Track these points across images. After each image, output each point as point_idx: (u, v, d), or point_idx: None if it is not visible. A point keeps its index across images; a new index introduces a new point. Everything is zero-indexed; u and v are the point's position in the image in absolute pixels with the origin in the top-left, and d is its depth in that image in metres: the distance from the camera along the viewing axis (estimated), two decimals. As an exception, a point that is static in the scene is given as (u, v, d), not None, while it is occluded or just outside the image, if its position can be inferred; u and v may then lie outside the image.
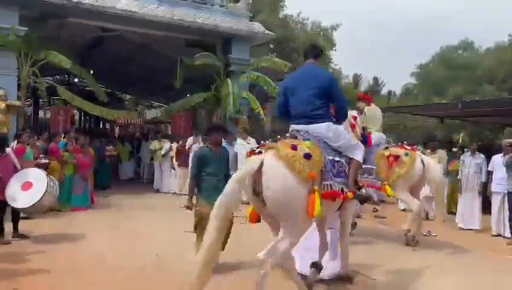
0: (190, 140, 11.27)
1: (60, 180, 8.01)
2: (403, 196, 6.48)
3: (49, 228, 7.01)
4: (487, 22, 57.13)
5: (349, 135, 4.21)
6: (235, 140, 10.57)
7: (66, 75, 19.45)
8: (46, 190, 6.08)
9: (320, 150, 3.73)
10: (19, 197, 5.98)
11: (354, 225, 6.40)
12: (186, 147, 11.05)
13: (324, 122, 3.92)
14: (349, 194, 3.86)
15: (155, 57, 15.29)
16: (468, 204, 8.18)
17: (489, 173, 7.87)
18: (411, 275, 5.08)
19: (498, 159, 7.61)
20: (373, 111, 6.81)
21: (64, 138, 9.31)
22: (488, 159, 8.08)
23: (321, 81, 3.95)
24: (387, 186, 6.03)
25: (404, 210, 9.48)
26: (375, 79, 36.68)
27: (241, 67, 12.09)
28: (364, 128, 5.52)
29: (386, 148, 6.62)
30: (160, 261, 5.38)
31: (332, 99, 4.01)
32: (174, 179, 11.62)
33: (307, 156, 3.49)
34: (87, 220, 7.75)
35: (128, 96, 26.94)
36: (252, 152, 3.88)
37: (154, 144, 12.28)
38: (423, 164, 6.32)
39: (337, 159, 3.88)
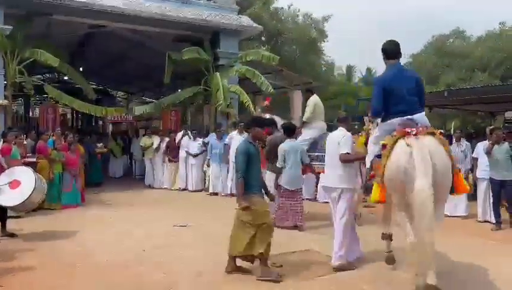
0: (179, 135, 11.32)
1: (48, 178, 8.04)
2: None
3: (39, 226, 7.02)
4: (477, 11, 57.02)
5: None
6: (226, 133, 10.64)
7: (55, 73, 19.38)
8: (34, 187, 6.10)
9: None
10: (8, 195, 5.99)
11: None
12: (176, 142, 11.09)
13: (422, 112, 4.37)
14: None
15: (147, 53, 15.28)
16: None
17: (475, 160, 7.94)
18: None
19: (482, 146, 7.67)
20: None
21: (52, 135, 9.30)
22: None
23: (416, 80, 4.46)
24: None
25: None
26: (368, 70, 36.61)
27: (230, 61, 12.09)
28: None
29: None
30: (148, 256, 5.42)
31: (421, 94, 4.44)
32: (166, 174, 11.67)
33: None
34: (77, 217, 7.78)
35: (120, 93, 26.90)
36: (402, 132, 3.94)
37: (144, 140, 12.30)
38: None
39: None
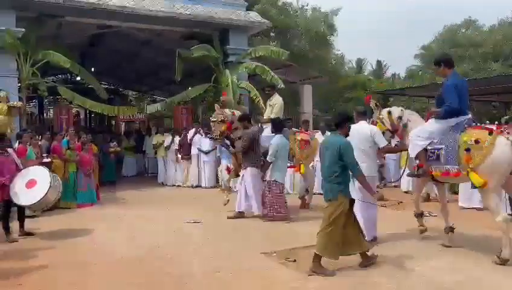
0: (191, 132, 11.38)
1: (63, 178, 8.17)
2: (309, 175, 8.38)
3: (55, 224, 7.16)
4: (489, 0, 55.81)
5: None
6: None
7: (68, 74, 19.60)
8: (50, 186, 6.23)
9: None
10: (25, 195, 6.12)
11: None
12: (188, 140, 11.14)
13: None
14: None
15: (156, 51, 15.37)
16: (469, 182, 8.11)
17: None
18: (411, 254, 5.13)
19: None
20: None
21: (66, 136, 9.43)
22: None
23: (467, 85, 5.54)
24: (302, 165, 8.02)
25: (406, 192, 9.50)
26: (379, 62, 36.26)
27: (239, 57, 12.09)
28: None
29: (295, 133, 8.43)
30: (162, 252, 5.49)
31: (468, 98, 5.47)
32: (178, 172, 11.76)
33: None
34: (93, 216, 7.91)
35: (132, 93, 27.09)
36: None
37: (156, 139, 12.40)
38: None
39: None
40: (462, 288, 4.23)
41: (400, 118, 5.85)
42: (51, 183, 6.24)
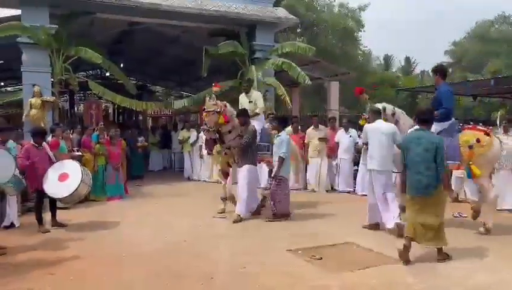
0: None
1: (93, 171, 8.38)
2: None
3: (85, 216, 7.36)
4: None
5: None
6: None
7: (98, 70, 20.04)
8: (81, 180, 6.39)
9: None
10: (57, 187, 6.31)
11: None
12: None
13: None
14: None
15: (184, 48, 15.52)
16: (503, 183, 7.88)
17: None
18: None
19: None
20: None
21: (96, 130, 9.65)
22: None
23: None
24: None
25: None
26: (407, 59, 35.51)
27: (266, 53, 12.06)
28: None
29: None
30: (189, 246, 5.55)
31: None
32: (204, 167, 11.85)
33: None
34: (121, 209, 8.08)
35: (159, 88, 27.46)
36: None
37: (182, 134, 12.54)
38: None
39: None
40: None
41: (393, 114, 6.47)
42: (82, 178, 6.40)
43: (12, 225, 6.53)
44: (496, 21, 27.06)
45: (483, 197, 6.16)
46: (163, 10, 10.87)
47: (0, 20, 10.21)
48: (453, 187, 8.29)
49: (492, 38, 25.30)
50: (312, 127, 10.27)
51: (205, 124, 7.01)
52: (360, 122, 7.30)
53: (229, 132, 7.13)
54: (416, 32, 69.68)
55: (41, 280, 4.36)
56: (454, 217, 7.04)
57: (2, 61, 14.63)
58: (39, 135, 6.60)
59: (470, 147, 5.78)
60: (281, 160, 6.87)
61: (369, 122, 6.41)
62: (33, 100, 9.82)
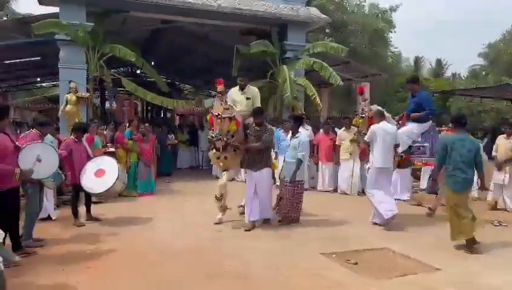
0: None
1: (125, 167, 8.50)
2: None
3: (118, 211, 7.47)
4: None
5: None
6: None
7: (129, 67, 20.35)
8: (117, 177, 6.48)
9: None
10: (93, 183, 6.41)
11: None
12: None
13: None
14: None
15: (214, 47, 15.56)
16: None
17: None
18: (477, 266, 4.85)
19: None
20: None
21: (129, 127, 9.79)
22: None
23: None
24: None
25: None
26: (438, 61, 34.68)
27: (297, 53, 11.98)
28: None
29: None
30: (221, 245, 5.55)
31: None
32: (232, 166, 11.82)
33: None
34: (153, 205, 8.16)
35: (188, 87, 27.69)
36: None
37: (211, 133, 12.52)
38: None
39: None
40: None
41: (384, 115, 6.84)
42: (118, 174, 6.49)
43: (49, 218, 6.67)
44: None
45: None
46: (196, 9, 10.94)
47: (38, 17, 10.50)
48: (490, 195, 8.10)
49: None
50: (343, 128, 10.11)
51: (219, 133, 6.36)
52: (354, 121, 7.87)
53: (232, 136, 6.51)
54: (449, 33, 67.96)
55: (79, 274, 4.42)
56: (495, 225, 6.80)
57: (38, 58, 15.03)
58: (80, 130, 6.73)
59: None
60: (299, 162, 6.53)
61: (369, 124, 6.91)
62: (69, 96, 10.06)
